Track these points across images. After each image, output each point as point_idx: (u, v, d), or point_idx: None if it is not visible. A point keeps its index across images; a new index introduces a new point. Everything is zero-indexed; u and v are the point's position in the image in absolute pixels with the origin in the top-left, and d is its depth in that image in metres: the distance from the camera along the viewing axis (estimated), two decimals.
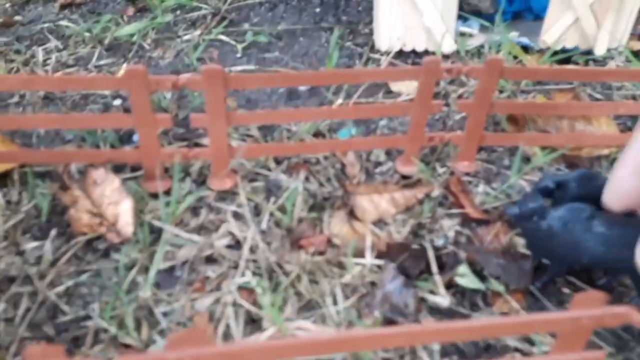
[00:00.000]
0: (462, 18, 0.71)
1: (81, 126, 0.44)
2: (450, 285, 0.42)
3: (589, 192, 0.39)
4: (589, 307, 0.24)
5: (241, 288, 0.41)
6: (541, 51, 0.68)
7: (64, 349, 0.22)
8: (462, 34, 0.71)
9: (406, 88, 0.64)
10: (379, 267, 0.44)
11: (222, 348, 0.23)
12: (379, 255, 0.44)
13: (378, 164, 0.54)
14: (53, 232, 0.44)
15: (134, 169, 0.51)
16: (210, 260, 0.44)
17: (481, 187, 0.52)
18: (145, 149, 0.46)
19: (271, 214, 0.48)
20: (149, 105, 0.43)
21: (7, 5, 0.94)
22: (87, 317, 0.39)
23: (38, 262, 0.43)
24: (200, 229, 0.46)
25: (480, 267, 0.43)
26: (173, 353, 0.23)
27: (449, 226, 0.48)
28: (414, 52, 0.71)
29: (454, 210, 0.49)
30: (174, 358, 0.23)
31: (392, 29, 0.69)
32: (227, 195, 0.50)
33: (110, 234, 0.43)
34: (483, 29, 0.71)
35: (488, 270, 0.42)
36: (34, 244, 0.44)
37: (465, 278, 0.42)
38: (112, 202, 0.45)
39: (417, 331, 0.27)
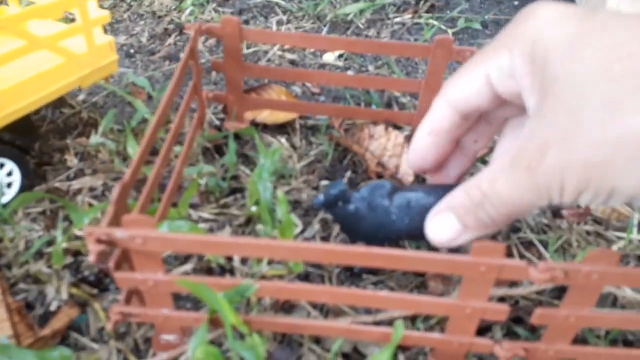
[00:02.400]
0: None
1: (379, 87, 0.51)
2: None
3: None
4: None
5: (523, 243, 0.46)
6: None
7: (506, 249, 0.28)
8: None
9: None
10: None
11: (628, 270, 0.28)
12: None
13: None
14: (347, 174, 0.51)
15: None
16: None
17: None
18: (422, 113, 0.52)
19: None
20: (444, 72, 0.49)
21: None
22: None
23: None
24: None
25: None
26: (586, 266, 0.28)
27: None
28: None
29: None
30: (586, 271, 0.28)
31: None
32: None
33: (394, 180, 0.50)
34: None
35: None
36: (325, 182, 0.51)
37: None
38: (394, 154, 0.51)
39: None
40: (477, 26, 0.80)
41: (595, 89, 0.24)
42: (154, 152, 0.51)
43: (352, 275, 0.43)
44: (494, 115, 0.35)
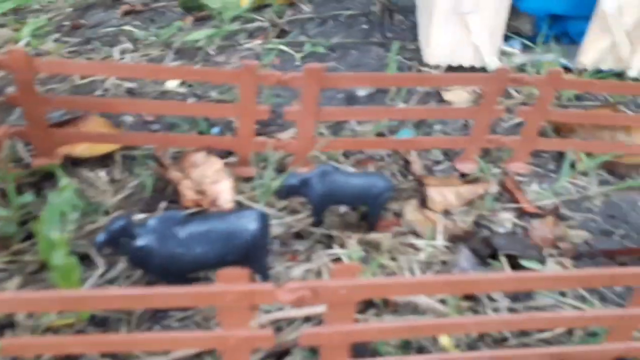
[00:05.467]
0: (505, 38, 0.78)
1: (194, 113, 0.50)
2: (514, 266, 0.47)
3: (330, 185, 0.44)
4: None
5: (332, 259, 0.47)
6: (580, 72, 0.74)
7: (249, 274, 0.28)
8: (505, 53, 0.77)
9: (457, 97, 0.70)
10: (448, 249, 0.49)
11: (375, 281, 0.29)
12: (450, 240, 0.49)
13: (437, 162, 0.60)
14: (162, 205, 0.49)
15: (220, 156, 0.57)
16: (299, 236, 0.49)
17: (533, 187, 0.57)
18: (241, 138, 0.52)
19: None
20: (254, 97, 0.49)
21: (70, 10, 1.00)
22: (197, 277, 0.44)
23: None
24: (285, 209, 0.51)
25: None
26: (333, 282, 0.28)
27: (507, 218, 0.53)
28: (460, 67, 0.77)
29: (510, 205, 0.55)
30: (333, 287, 0.28)
31: (442, 45, 0.75)
32: None
33: (212, 209, 0.48)
34: (524, 48, 0.78)
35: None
36: (143, 215, 0.49)
37: (528, 260, 0.47)
38: (213, 181, 0.50)
39: (496, 278, 0.31)
40: (322, 50, 0.83)
41: None
42: None
43: (156, 314, 0.41)
44: None
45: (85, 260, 0.45)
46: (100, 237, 0.37)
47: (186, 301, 0.28)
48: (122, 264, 0.44)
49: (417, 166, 0.58)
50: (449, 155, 0.61)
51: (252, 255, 0.40)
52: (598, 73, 0.74)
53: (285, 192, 0.46)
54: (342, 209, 0.52)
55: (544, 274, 0.31)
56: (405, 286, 0.29)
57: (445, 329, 0.33)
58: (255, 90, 0.49)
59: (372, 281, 0.28)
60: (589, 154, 0.59)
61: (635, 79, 0.73)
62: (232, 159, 0.55)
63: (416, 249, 0.49)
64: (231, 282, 0.28)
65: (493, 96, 0.53)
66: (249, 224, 0.40)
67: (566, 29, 0.80)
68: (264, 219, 0.41)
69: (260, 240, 0.40)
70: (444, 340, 0.38)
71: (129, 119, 0.63)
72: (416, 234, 0.50)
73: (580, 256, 0.50)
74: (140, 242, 0.37)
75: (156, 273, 0.40)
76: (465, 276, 0.29)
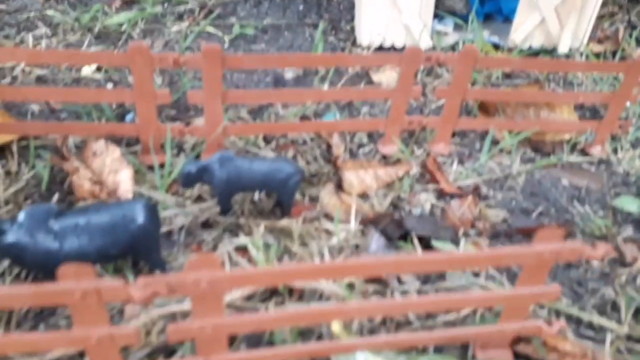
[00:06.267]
0: (437, 17, 0.76)
1: (86, 100, 0.46)
2: (426, 247, 0.46)
3: (232, 171, 0.42)
4: (550, 242, 0.29)
5: (237, 248, 0.44)
6: (510, 49, 0.74)
7: (95, 270, 0.25)
8: (438, 32, 0.76)
9: (386, 79, 0.69)
10: (362, 233, 0.47)
11: (238, 272, 0.27)
12: (362, 223, 0.48)
13: (361, 145, 0.58)
14: (54, 198, 0.46)
15: (129, 144, 0.54)
16: (206, 225, 0.47)
17: (455, 167, 0.56)
18: (143, 124, 0.49)
19: None
20: (151, 80, 0.46)
21: None
22: None
23: None
24: (196, 198, 0.49)
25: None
26: (191, 275, 0.26)
27: (425, 199, 0.52)
28: (393, 47, 0.76)
29: (430, 186, 0.54)
30: (192, 280, 0.26)
31: (373, 25, 0.73)
32: None
33: (111, 200, 0.46)
34: (457, 27, 0.77)
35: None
36: None
37: (440, 241, 0.46)
38: (113, 170, 0.47)
39: (399, 260, 0.30)
40: (251, 32, 0.80)
41: None
42: None
43: (42, 312, 0.38)
44: None
45: None
46: None
47: (30, 301, 0.25)
48: (7, 261, 0.41)
49: (338, 150, 0.56)
50: (374, 137, 0.59)
51: (140, 248, 0.38)
52: (529, 50, 0.74)
53: (184, 181, 0.43)
54: (257, 195, 0.50)
55: (417, 257, 0.29)
56: (271, 275, 0.27)
57: (334, 315, 0.31)
58: (150, 73, 0.46)
59: (233, 272, 0.26)
60: (511, 132, 0.58)
61: (565, 55, 0.73)
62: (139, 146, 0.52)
63: (329, 233, 0.47)
64: (77, 279, 0.25)
65: (409, 76, 0.51)
66: (134, 215, 0.37)
67: (499, 6, 0.80)
68: (151, 209, 0.38)
69: (147, 232, 0.38)
70: (335, 326, 0.36)
71: (35, 107, 0.59)
72: (330, 219, 0.48)
73: (497, 235, 0.49)
74: (9, 238, 0.34)
75: (34, 269, 0.37)
76: (330, 264, 0.28)
